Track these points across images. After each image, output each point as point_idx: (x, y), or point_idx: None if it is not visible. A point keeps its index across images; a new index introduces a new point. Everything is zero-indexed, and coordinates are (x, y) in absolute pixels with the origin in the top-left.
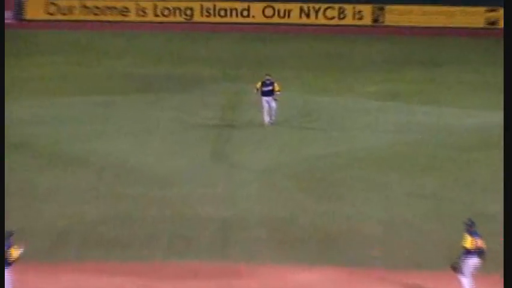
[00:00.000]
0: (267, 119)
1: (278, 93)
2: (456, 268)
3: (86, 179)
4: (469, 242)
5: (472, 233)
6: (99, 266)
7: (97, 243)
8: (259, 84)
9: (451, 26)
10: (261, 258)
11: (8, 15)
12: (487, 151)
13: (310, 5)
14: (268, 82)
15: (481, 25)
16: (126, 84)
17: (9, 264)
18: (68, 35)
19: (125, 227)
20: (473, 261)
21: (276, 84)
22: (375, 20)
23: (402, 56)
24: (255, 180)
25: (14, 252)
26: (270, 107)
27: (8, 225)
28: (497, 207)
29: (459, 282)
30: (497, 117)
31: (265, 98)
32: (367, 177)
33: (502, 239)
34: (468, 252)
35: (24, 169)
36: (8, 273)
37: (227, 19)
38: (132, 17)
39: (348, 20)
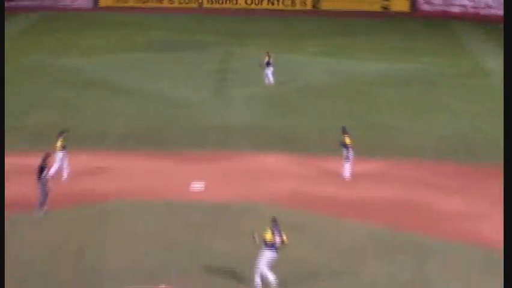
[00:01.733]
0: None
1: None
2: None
3: (131, 104)
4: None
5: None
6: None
7: (136, 138)
8: (267, 58)
9: (362, 10)
10: (242, 147)
11: (88, 3)
12: (381, 86)
13: None
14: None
15: (378, 9)
16: (160, 47)
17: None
18: (124, 16)
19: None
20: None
21: None
22: (314, 6)
23: (331, 30)
24: (242, 102)
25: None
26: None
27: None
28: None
29: None
30: (373, 65)
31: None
32: (311, 101)
33: None
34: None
35: (99, 98)
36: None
37: (223, 5)
38: (165, 3)
39: (297, 6)
